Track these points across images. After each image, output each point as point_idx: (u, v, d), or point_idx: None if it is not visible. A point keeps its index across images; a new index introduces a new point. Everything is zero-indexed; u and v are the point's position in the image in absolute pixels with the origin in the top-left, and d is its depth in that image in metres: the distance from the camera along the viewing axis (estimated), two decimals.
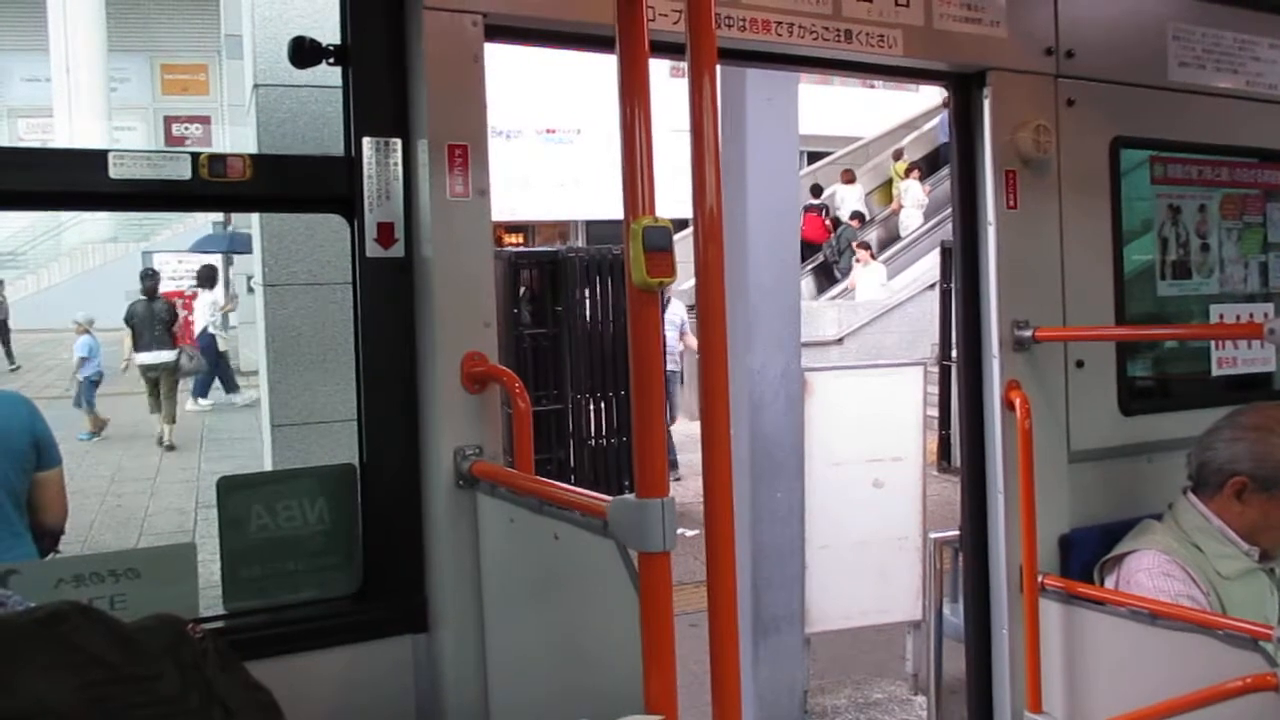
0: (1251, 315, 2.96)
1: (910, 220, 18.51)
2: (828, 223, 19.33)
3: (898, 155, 20.19)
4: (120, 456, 11.79)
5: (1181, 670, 2.08)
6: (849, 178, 20.00)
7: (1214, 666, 2.00)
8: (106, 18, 25.16)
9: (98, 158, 1.79)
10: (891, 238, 19.01)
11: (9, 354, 19.83)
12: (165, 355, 12.83)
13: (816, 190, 19.92)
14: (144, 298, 13.25)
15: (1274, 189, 3.04)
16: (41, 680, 1.25)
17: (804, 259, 18.74)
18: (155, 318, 12.89)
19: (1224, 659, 2.01)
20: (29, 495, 3.24)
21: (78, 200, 2.01)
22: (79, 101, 24.25)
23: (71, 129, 23.42)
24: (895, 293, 15.39)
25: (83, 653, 1.29)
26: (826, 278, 18.84)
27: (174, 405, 12.81)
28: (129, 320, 13.04)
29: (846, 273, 18.02)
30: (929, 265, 14.97)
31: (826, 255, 18.61)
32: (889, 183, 20.45)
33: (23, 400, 3.51)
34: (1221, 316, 2.93)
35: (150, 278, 13.87)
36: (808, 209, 19.30)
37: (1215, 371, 2.92)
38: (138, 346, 12.86)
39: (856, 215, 19.00)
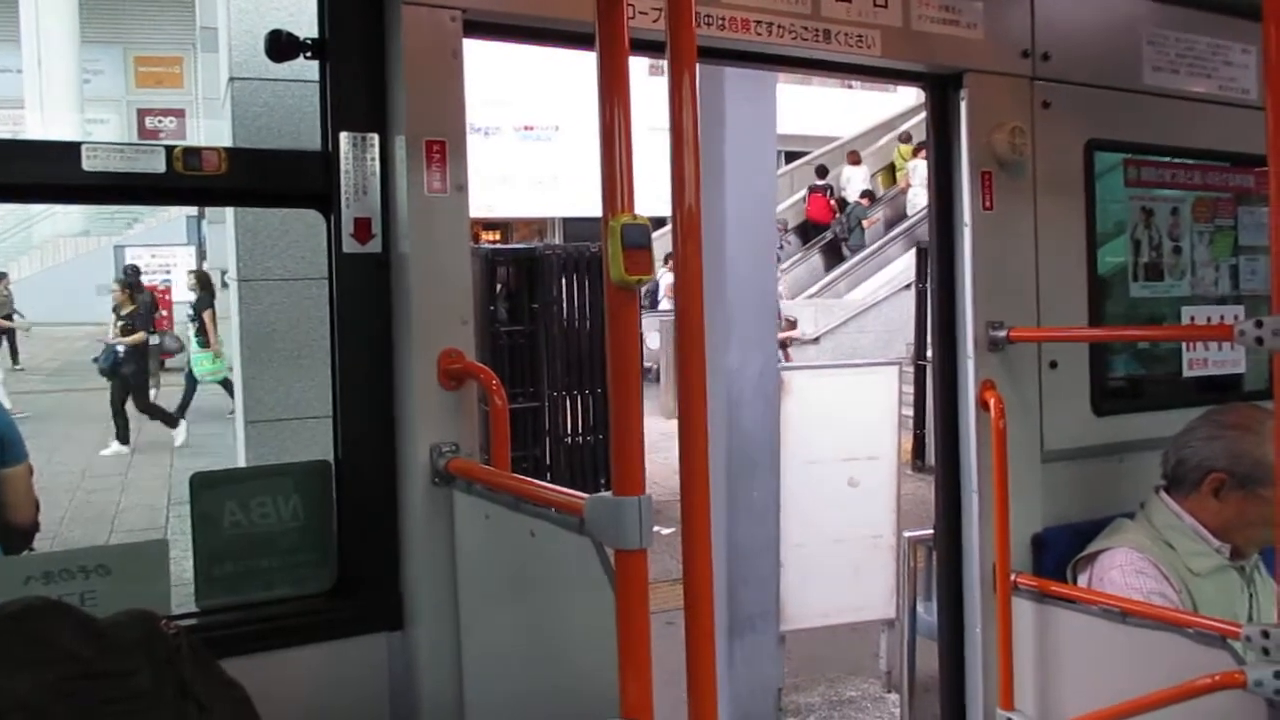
0: (1222, 317, 2.99)
1: (918, 199, 19.03)
2: (833, 203, 19.92)
3: (905, 138, 20.55)
4: (90, 454, 11.67)
5: (1152, 668, 2.11)
6: (855, 159, 20.61)
7: (1184, 664, 2.02)
8: (79, 9, 24.85)
9: (70, 150, 1.77)
10: (899, 216, 19.37)
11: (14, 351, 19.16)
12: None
13: (822, 171, 20.50)
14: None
15: (1245, 192, 3.07)
16: (14, 675, 1.24)
17: (809, 239, 19.32)
18: (140, 306, 14.36)
19: (1194, 657, 2.03)
20: None
21: (50, 193, 1.98)
22: (51, 94, 23.93)
23: (43, 121, 23.11)
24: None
25: (55, 648, 1.28)
26: (835, 256, 19.20)
27: (156, 376, 14.21)
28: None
29: (856, 249, 18.50)
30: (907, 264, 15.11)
31: (836, 233, 19.24)
32: (891, 166, 20.90)
33: None
34: (1193, 318, 2.96)
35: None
36: (813, 189, 20.06)
37: (1187, 373, 2.95)
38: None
39: (866, 194, 19.55)
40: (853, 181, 20.10)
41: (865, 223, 19.02)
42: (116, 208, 23.07)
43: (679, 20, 1.26)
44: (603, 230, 1.22)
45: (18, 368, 18.18)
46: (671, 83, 1.25)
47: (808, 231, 20.06)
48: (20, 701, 1.22)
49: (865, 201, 19.36)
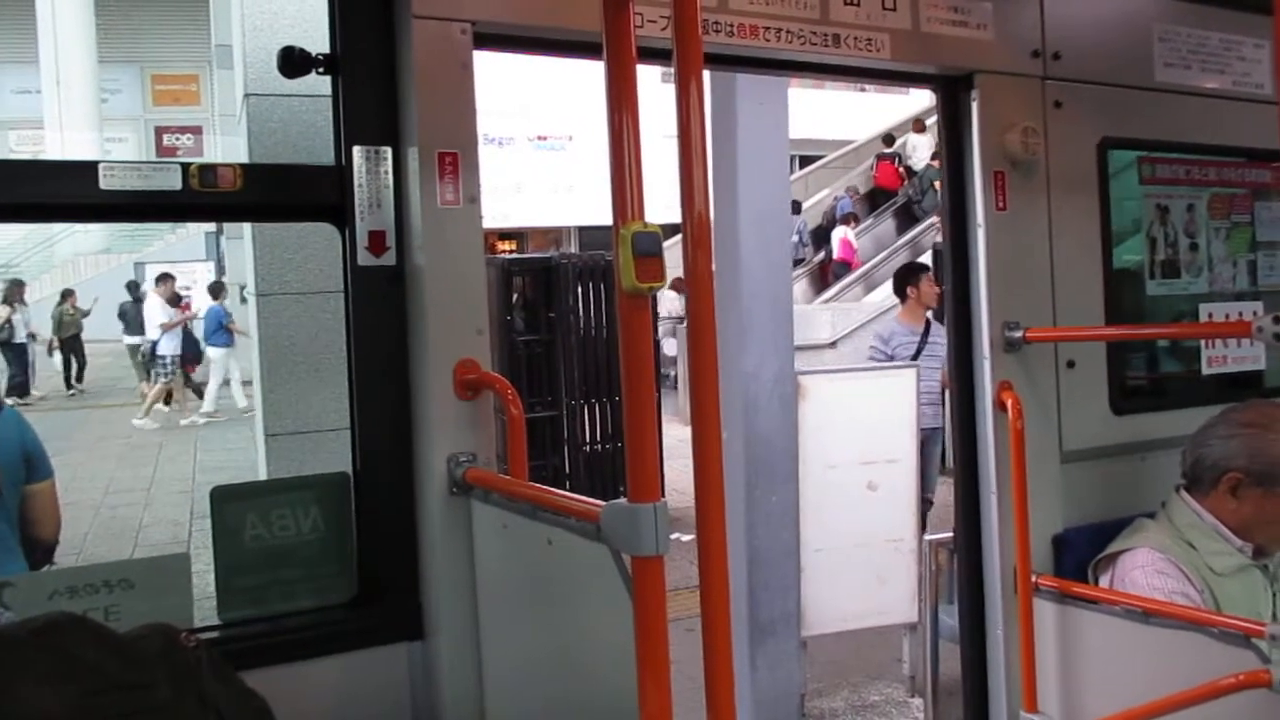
0: (1240, 314, 2.97)
1: None
2: (901, 170, 20.53)
3: None
4: (114, 467, 11.77)
5: (1175, 668, 2.09)
6: (920, 127, 21.33)
7: (1208, 664, 2.00)
8: (97, 29, 25.13)
9: (88, 169, 1.79)
10: None
11: (76, 374, 18.67)
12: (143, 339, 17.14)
13: (889, 139, 21.14)
14: (131, 300, 17.91)
15: (1261, 188, 3.05)
16: (38, 689, 1.26)
17: (878, 205, 20.18)
18: (139, 314, 17.02)
19: (1218, 656, 2.01)
20: (21, 508, 3.23)
21: (69, 212, 2.01)
22: (70, 113, 24.20)
23: (63, 141, 23.36)
24: None
25: (78, 662, 1.30)
26: (908, 218, 19.64)
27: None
28: (121, 315, 17.75)
29: (929, 211, 18.89)
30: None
31: (910, 196, 19.77)
32: None
33: (11, 413, 3.49)
34: (1211, 315, 2.94)
35: (135, 288, 18.70)
36: (880, 157, 20.86)
37: (1206, 370, 2.92)
38: (127, 332, 17.42)
39: (938, 155, 19.68)
40: (919, 149, 20.46)
41: (936, 184, 19.25)
42: (136, 225, 23.25)
43: (685, 28, 1.26)
44: (614, 238, 1.23)
45: (73, 391, 18.21)
46: (679, 90, 1.26)
47: (876, 197, 20.57)
48: (45, 715, 1.24)
49: (937, 163, 19.55)
